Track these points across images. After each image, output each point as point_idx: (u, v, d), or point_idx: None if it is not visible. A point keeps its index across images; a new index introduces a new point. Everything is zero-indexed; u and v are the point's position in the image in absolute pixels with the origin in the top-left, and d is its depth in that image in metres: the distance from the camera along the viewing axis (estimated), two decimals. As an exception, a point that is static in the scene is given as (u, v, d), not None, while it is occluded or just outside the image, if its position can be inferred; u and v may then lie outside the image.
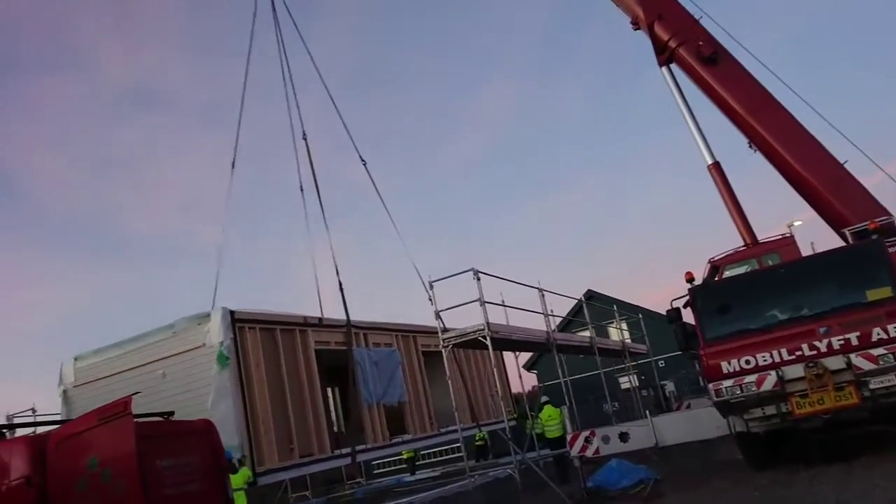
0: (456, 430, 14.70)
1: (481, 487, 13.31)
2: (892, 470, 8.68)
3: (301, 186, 17.80)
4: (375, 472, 29.08)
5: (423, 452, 27.08)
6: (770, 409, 9.67)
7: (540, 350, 21.56)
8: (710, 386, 9.97)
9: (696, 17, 16.60)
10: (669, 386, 29.24)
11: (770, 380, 9.44)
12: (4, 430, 7.38)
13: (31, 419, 15.59)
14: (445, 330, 13.89)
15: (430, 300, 13.81)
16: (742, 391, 9.58)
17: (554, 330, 17.25)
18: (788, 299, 10.24)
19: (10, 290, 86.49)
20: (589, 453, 12.13)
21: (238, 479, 11.16)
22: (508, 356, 20.93)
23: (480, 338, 13.20)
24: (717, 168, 16.57)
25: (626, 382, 31.12)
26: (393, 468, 28.81)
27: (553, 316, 17.50)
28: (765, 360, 9.60)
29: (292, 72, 17.84)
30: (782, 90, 16.03)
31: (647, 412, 13.13)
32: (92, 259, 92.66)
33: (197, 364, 12.75)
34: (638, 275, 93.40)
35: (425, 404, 17.96)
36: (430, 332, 16.23)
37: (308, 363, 14.40)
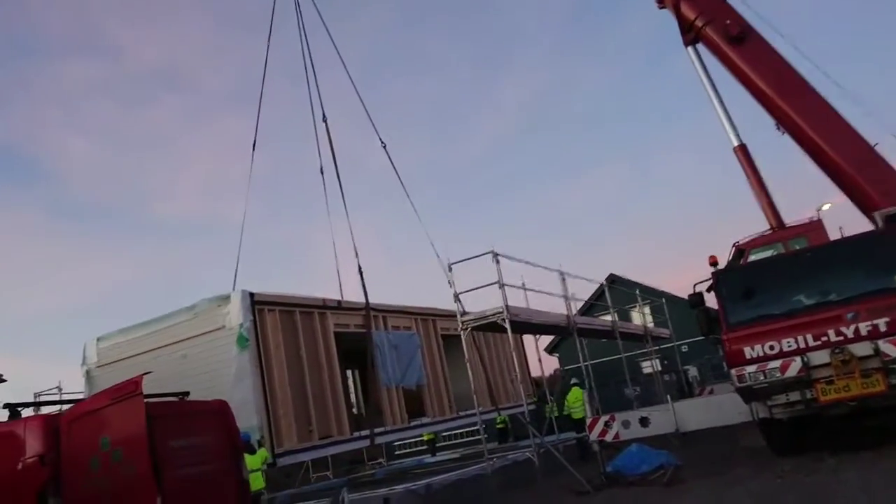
0: (475, 414, 14.67)
1: (500, 470, 13.29)
2: (920, 459, 8.48)
3: (321, 169, 17.80)
4: (397, 453, 29.33)
5: (443, 434, 27.20)
6: (794, 396, 9.54)
7: (560, 334, 21.48)
8: (733, 372, 9.85)
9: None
10: (692, 371, 29.04)
11: (795, 366, 9.29)
12: (20, 409, 7.46)
13: (56, 397, 15.90)
14: (464, 313, 13.83)
15: (450, 283, 13.75)
16: (765, 377, 9.45)
17: (575, 314, 17.13)
18: (815, 284, 10.03)
19: (43, 271, 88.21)
20: (608, 438, 12.04)
21: (256, 461, 11.23)
22: (528, 340, 20.88)
23: (499, 321, 13.13)
24: (743, 150, 16.20)
25: (648, 367, 30.93)
26: (414, 449, 29.02)
27: (574, 300, 17.38)
28: (789, 346, 9.44)
29: (316, 54, 17.82)
30: (811, 70, 15.62)
31: (668, 397, 12.97)
32: (120, 240, 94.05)
33: (217, 345, 12.82)
34: (662, 258, 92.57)
35: (444, 387, 17.95)
36: (449, 316, 16.18)
37: (327, 345, 14.43)
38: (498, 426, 24.89)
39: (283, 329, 13.44)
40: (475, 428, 21.34)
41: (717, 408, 11.66)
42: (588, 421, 12.47)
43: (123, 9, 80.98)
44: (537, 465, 12.99)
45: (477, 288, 13.64)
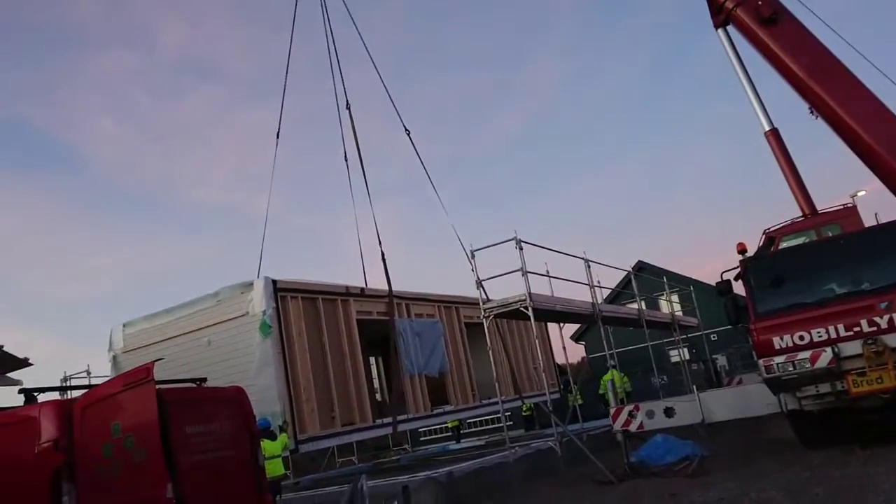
0: (497, 402, 14.60)
1: (522, 459, 13.19)
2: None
3: (345, 157, 17.79)
4: (422, 439, 29.45)
5: (468, 421, 27.24)
6: (824, 388, 9.30)
7: (585, 322, 21.31)
8: (761, 362, 9.64)
9: (756, -26, 15.70)
10: (721, 360, 28.61)
11: (825, 356, 9.06)
12: (35, 394, 7.56)
13: (85, 381, 16.16)
14: (487, 300, 13.72)
15: (472, 269, 13.65)
16: (794, 368, 9.23)
17: (601, 302, 16.93)
18: (847, 272, 9.77)
19: (76, 257, 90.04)
20: (632, 428, 11.88)
21: (276, 446, 11.29)
22: (553, 328, 20.71)
23: (522, 308, 13.01)
24: (774, 135, 15.81)
25: (675, 356, 30.57)
26: (439, 436, 29.10)
27: (600, 287, 17.16)
28: (820, 336, 9.20)
29: (343, 44, 17.77)
30: (847, 50, 15.13)
31: (695, 387, 12.75)
32: (151, 226, 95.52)
33: (240, 332, 12.91)
34: (691, 245, 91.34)
35: (467, 375, 17.91)
36: (472, 304, 16.10)
37: (350, 333, 14.44)
38: (525, 414, 24.86)
39: (305, 316, 13.48)
40: (499, 416, 21.34)
41: (745, 398, 11.41)
42: (612, 410, 12.30)
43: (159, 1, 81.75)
44: (559, 455, 12.88)
45: (499, 275, 13.55)
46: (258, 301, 12.79)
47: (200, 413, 7.20)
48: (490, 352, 14.07)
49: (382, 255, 16.22)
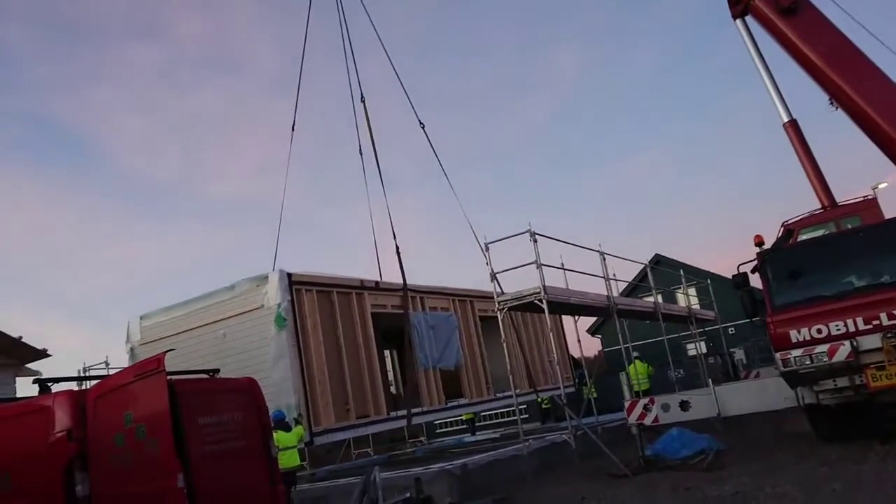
0: (511, 396, 14.57)
1: (536, 452, 13.17)
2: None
3: (360, 149, 17.83)
4: (437, 431, 29.50)
5: (484, 414, 27.26)
6: (842, 381, 9.21)
7: (600, 315, 21.15)
8: (778, 355, 9.55)
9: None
10: (739, 354, 28.39)
11: (843, 350, 8.94)
12: (49, 384, 7.65)
13: (104, 371, 16.36)
14: (501, 293, 13.67)
15: (487, 262, 13.61)
16: (812, 361, 9.13)
17: (617, 295, 16.81)
18: (866, 265, 9.64)
19: (97, 249, 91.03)
20: (647, 421, 11.82)
21: (291, 438, 11.36)
22: (569, 321, 20.62)
23: (536, 301, 12.94)
24: (793, 126, 15.58)
25: (692, 349, 30.38)
26: (454, 428, 29.13)
27: (616, 280, 17.04)
28: (838, 330, 9.09)
29: (362, 33, 17.71)
30: (869, 41, 14.86)
31: (710, 381, 12.64)
32: (170, 219, 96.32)
33: (255, 325, 12.98)
34: (709, 239, 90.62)
35: (482, 368, 17.89)
36: (487, 297, 16.08)
37: (364, 326, 14.48)
38: (544, 406, 24.84)
39: (320, 309, 13.53)
40: (513, 409, 21.34)
41: (761, 392, 11.30)
42: (627, 403, 12.23)
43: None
44: (574, 448, 12.83)
45: (514, 268, 13.49)
46: (273, 294, 12.86)
47: (212, 404, 7.24)
48: (504, 345, 14.03)
49: (397, 248, 16.27)
